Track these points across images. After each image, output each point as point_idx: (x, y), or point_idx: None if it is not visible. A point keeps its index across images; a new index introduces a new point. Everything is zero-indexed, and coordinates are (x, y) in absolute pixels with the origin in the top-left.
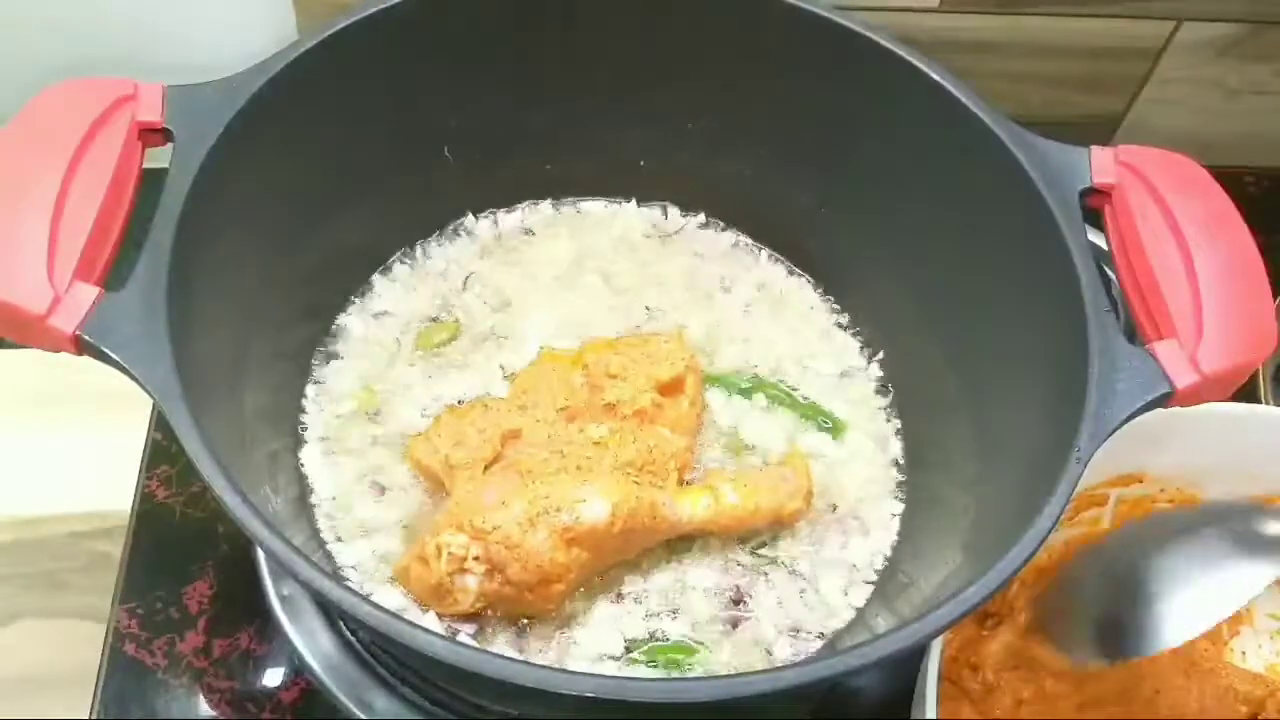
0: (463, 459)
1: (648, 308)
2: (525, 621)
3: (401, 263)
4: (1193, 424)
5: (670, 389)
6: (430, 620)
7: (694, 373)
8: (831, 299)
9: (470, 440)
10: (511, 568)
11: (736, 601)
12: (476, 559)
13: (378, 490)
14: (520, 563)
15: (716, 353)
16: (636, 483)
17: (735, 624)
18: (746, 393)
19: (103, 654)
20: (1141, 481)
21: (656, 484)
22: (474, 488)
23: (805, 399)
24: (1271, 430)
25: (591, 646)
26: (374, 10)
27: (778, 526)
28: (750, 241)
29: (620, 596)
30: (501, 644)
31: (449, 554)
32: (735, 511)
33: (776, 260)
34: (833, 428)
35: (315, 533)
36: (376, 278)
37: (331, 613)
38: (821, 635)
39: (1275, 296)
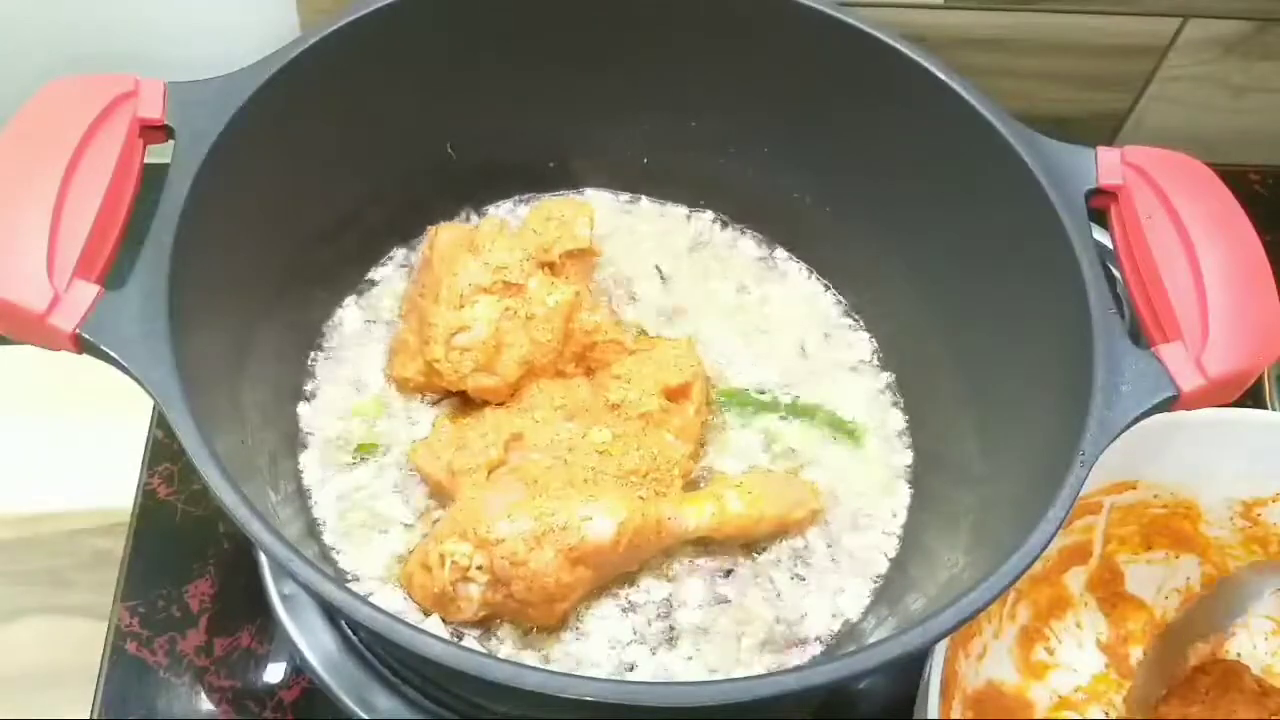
0: (465, 464)
1: (655, 308)
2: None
3: (403, 259)
4: (1186, 430)
5: (677, 394)
6: (432, 622)
7: (701, 379)
8: (839, 298)
9: (473, 445)
10: (516, 585)
11: (739, 602)
12: (480, 569)
13: (378, 491)
14: (525, 581)
15: (729, 360)
16: (642, 498)
17: (737, 624)
18: (755, 398)
19: (104, 652)
20: (1135, 488)
21: (660, 491)
22: (478, 494)
23: (817, 404)
24: (1264, 434)
25: (594, 646)
26: (376, 7)
27: (782, 534)
28: (759, 238)
29: (622, 597)
30: (505, 643)
31: (452, 563)
32: (740, 520)
33: (783, 257)
34: (843, 431)
35: (316, 533)
36: (378, 274)
37: (332, 612)
38: (823, 638)
39: None
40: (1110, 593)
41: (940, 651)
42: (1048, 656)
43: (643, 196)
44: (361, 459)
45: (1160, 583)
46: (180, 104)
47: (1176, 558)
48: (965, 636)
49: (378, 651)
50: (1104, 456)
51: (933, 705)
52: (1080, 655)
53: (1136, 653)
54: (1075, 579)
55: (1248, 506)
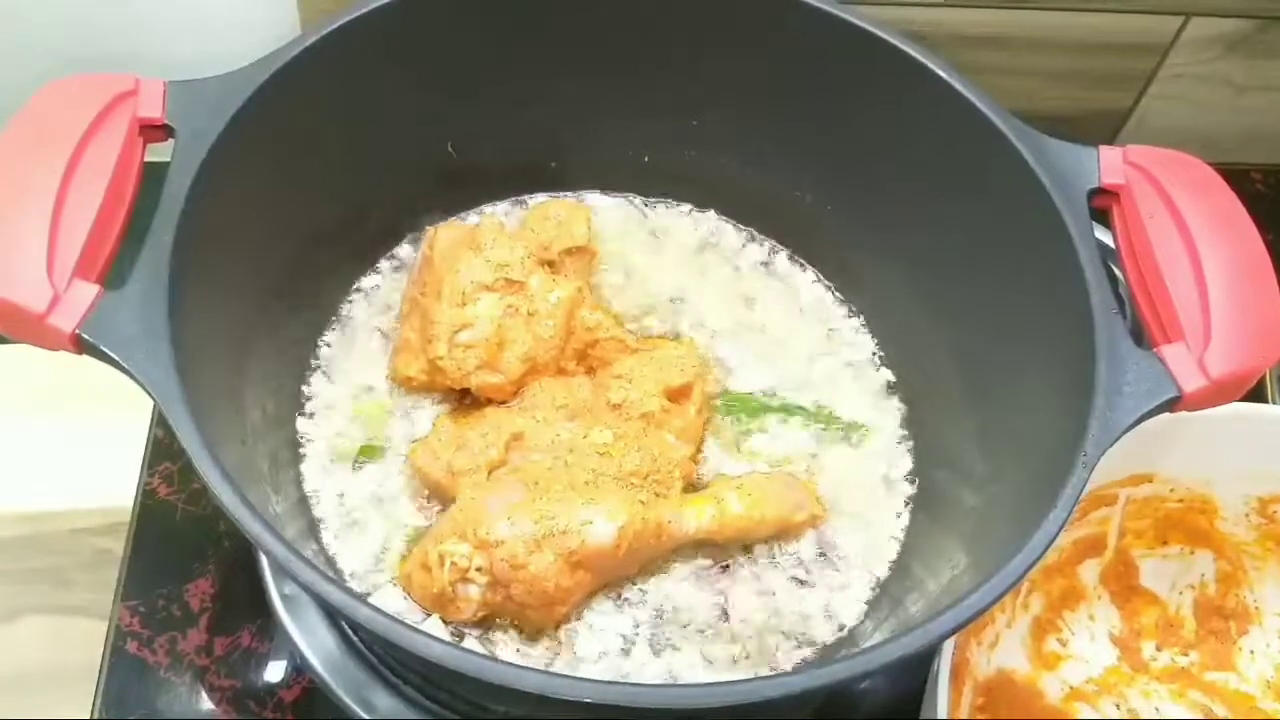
0: (466, 465)
1: (657, 309)
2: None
3: (404, 259)
4: (1203, 424)
5: (678, 395)
6: (432, 622)
7: (702, 380)
8: (840, 298)
9: (473, 445)
10: (515, 587)
11: (739, 603)
12: (480, 570)
13: (379, 491)
14: (525, 584)
15: (730, 361)
16: (643, 501)
17: (737, 626)
18: (757, 399)
19: (104, 652)
20: (1151, 481)
21: (660, 492)
22: (478, 495)
23: (818, 405)
24: None
25: (594, 646)
26: (376, 6)
27: (782, 536)
28: (760, 238)
29: (621, 598)
30: (505, 643)
31: (452, 563)
32: (740, 522)
33: (784, 256)
34: (844, 432)
35: (316, 533)
36: (379, 273)
37: (332, 612)
38: (824, 639)
39: None
40: (1124, 586)
41: (948, 648)
42: (1060, 647)
43: (644, 197)
44: (362, 459)
45: (1175, 578)
46: (180, 103)
47: (1192, 553)
48: (978, 625)
49: (378, 651)
50: (1120, 448)
51: (942, 697)
52: (1092, 647)
53: (1149, 646)
54: (1089, 571)
55: (1264, 503)
